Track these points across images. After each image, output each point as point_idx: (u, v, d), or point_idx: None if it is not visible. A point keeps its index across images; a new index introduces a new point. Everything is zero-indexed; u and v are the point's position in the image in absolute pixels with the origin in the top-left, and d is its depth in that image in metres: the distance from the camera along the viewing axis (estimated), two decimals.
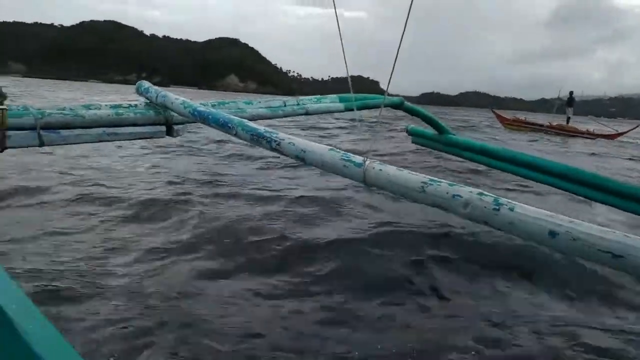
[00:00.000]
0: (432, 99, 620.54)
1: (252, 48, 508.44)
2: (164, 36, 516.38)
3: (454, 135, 2.91)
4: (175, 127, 2.26)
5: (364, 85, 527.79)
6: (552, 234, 0.84)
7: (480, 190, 0.97)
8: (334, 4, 1.75)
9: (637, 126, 20.56)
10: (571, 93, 20.65)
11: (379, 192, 3.55)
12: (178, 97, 2.03)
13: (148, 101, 2.24)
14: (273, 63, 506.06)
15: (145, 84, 2.35)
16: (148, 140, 3.24)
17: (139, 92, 2.34)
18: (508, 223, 0.89)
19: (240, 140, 1.59)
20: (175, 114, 2.12)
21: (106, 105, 2.09)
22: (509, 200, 0.92)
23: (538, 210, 0.88)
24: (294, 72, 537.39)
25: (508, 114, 24.72)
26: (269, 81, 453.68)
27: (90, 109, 2.00)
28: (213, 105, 2.23)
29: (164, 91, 2.18)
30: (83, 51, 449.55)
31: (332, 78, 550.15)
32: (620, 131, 18.66)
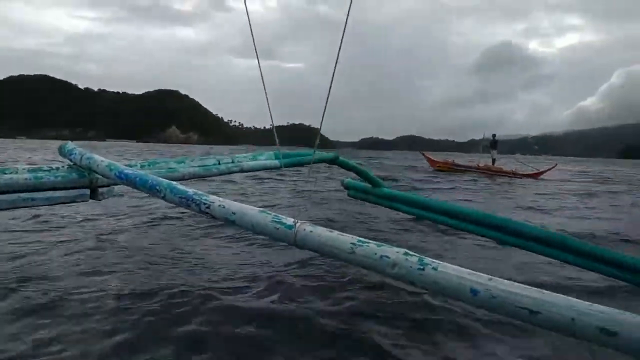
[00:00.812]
0: (371, 143, 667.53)
1: (193, 99, 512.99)
2: (100, 89, 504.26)
3: (387, 188, 3.02)
4: (101, 189, 2.17)
5: (305, 133, 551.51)
6: (473, 291, 0.87)
7: (406, 250, 1.01)
8: (258, 57, 1.78)
9: (555, 165, 21.11)
10: (494, 135, 20.88)
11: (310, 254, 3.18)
12: (104, 159, 1.95)
13: (72, 163, 2.14)
14: (215, 113, 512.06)
15: (70, 145, 2.26)
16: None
17: (62, 153, 2.24)
18: (433, 282, 0.92)
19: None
20: (101, 177, 2.03)
21: (24, 168, 1.97)
22: (433, 260, 0.95)
23: (460, 269, 0.91)
24: (235, 121, 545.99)
25: (439, 156, 25.10)
26: (211, 132, 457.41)
27: (5, 173, 1.87)
28: (142, 166, 2.18)
29: (89, 153, 2.09)
30: (12, 107, 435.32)
31: (271, 126, 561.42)
32: (540, 170, 18.97)
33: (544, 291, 0.84)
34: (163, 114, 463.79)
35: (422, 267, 0.95)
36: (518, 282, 0.87)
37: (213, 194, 1.43)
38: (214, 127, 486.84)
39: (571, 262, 2.08)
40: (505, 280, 0.88)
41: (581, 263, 2.05)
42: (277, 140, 2.27)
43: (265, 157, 2.63)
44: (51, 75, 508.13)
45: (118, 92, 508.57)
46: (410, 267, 0.96)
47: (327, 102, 1.28)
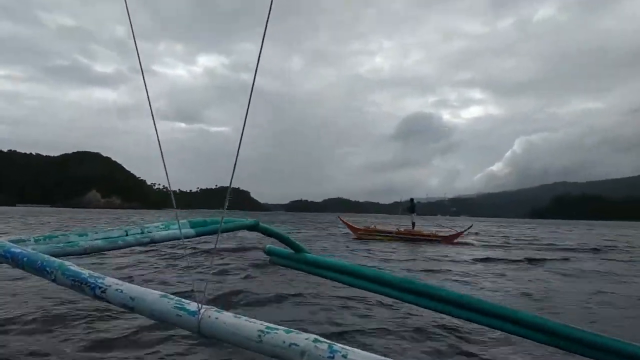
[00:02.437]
0: (300, 205, 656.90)
1: (115, 162, 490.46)
2: (10, 150, 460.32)
3: (309, 253, 2.95)
4: None
5: (237, 196, 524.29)
6: None
7: (316, 337, 0.96)
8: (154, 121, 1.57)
9: (470, 226, 21.77)
10: (412, 200, 21.04)
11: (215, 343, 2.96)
12: None
13: None
14: (138, 177, 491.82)
15: None
16: None
17: None
18: None
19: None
20: None
21: None
22: (344, 346, 0.91)
23: (369, 355, 0.89)
24: (160, 185, 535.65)
25: (359, 223, 24.27)
26: (135, 195, 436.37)
27: None
28: (37, 241, 1.97)
29: None
30: None
31: (201, 189, 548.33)
32: (458, 232, 19.39)
33: None
34: (82, 177, 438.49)
35: (332, 355, 0.88)
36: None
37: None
38: (138, 190, 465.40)
39: (475, 321, 2.11)
40: None
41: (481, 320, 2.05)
42: (175, 205, 1.78)
43: (179, 225, 2.30)
44: None
45: (31, 154, 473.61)
46: (320, 355, 0.90)
47: (235, 166, 1.18)
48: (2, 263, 1.80)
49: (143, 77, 1.34)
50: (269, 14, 1.07)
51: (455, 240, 19.00)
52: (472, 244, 18.47)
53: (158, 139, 1.31)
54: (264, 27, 1.06)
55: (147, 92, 1.36)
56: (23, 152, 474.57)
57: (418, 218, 22.11)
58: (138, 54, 1.34)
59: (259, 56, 1.10)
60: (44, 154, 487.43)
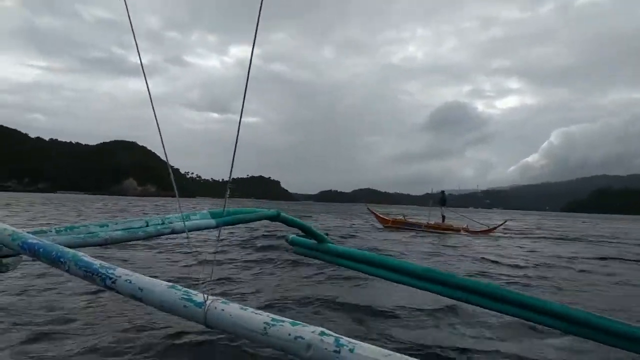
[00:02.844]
0: (330, 196, 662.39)
1: (150, 150, 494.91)
2: (51, 139, 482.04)
3: (332, 243, 2.98)
4: (5, 260, 1.95)
5: (267, 186, 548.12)
6: None
7: (323, 330, 0.95)
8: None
9: (504, 222, 21.17)
10: (443, 192, 20.55)
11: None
12: (7, 227, 1.76)
13: None
14: (172, 165, 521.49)
15: None
16: None
17: None
18: None
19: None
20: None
21: None
22: (350, 340, 0.90)
23: (376, 350, 0.87)
24: (193, 173, 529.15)
25: (387, 214, 23.75)
26: (169, 184, 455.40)
27: None
28: (58, 232, 2.01)
29: None
30: None
31: (232, 179, 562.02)
32: (490, 226, 18.83)
33: None
34: (119, 165, 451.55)
35: (337, 349, 0.87)
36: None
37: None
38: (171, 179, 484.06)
39: (510, 314, 2.08)
40: None
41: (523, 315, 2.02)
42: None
43: (200, 216, 2.43)
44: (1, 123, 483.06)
45: (71, 142, 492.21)
46: (326, 349, 0.89)
47: (234, 155, 1.13)
48: (19, 255, 1.85)
49: (142, 69, 1.32)
50: (261, 6, 1.06)
51: (490, 234, 18.38)
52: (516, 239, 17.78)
53: (157, 121, 1.27)
54: (257, 18, 1.06)
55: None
56: (63, 140, 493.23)
57: (449, 211, 21.48)
58: (137, 45, 1.32)
59: (252, 48, 1.10)
60: (83, 143, 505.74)
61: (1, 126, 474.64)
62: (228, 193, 1.46)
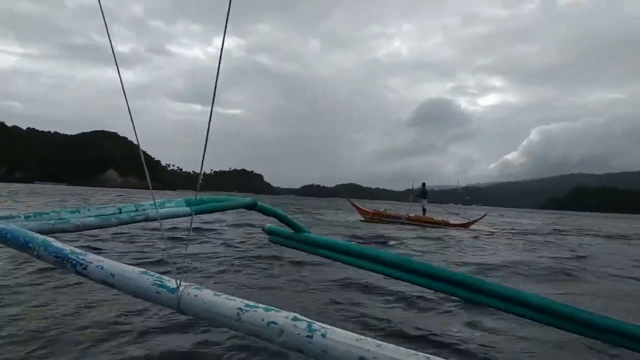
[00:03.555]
0: (312, 190, 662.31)
1: (131, 142, 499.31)
2: (29, 128, 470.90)
3: (309, 232, 2.94)
4: None
5: (250, 179, 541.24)
6: None
7: (296, 315, 0.94)
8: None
9: (485, 215, 21.33)
10: (424, 185, 20.40)
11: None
12: None
13: None
14: (153, 157, 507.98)
15: None
16: None
17: None
18: (321, 351, 0.87)
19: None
20: None
21: None
22: (323, 325, 0.90)
23: (348, 334, 0.87)
24: (174, 166, 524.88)
25: (368, 206, 23.88)
26: (152, 175, 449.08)
27: None
28: (27, 217, 1.96)
29: None
30: None
31: (215, 172, 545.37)
32: (470, 220, 19.01)
33: (431, 357, 0.79)
34: (100, 156, 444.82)
35: (310, 334, 0.88)
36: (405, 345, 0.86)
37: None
38: (153, 171, 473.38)
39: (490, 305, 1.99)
40: (393, 346, 0.84)
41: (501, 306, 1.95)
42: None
43: (175, 204, 2.30)
44: None
45: (49, 132, 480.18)
46: (298, 334, 0.89)
47: (205, 148, 1.10)
48: None
49: (114, 55, 1.23)
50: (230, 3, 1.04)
51: (469, 228, 18.56)
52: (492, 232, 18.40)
53: (127, 104, 1.17)
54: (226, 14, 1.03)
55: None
56: (42, 130, 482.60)
57: (430, 205, 21.22)
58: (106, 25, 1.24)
59: (222, 44, 1.07)
60: (62, 133, 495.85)
61: None
62: (200, 181, 1.43)
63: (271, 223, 3.20)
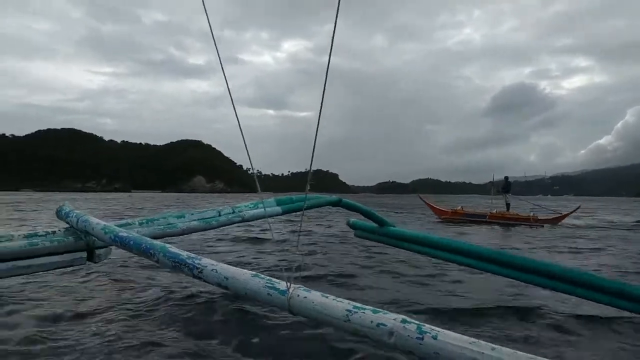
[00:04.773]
0: (388, 187, 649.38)
1: (214, 148, 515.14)
2: (123, 141, 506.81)
3: (394, 226, 2.97)
4: (98, 251, 2.13)
5: (327, 178, 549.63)
6: None
7: (404, 317, 0.96)
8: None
9: (578, 207, 19.16)
10: (506, 178, 18.71)
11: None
12: (100, 221, 1.92)
13: (68, 226, 2.13)
14: (236, 162, 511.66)
15: (67, 207, 2.23)
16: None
17: (59, 216, 2.26)
18: (433, 353, 0.87)
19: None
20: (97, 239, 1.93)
21: (19, 235, 1.93)
22: (432, 327, 0.90)
23: (461, 337, 0.87)
24: (255, 170, 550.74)
25: (444, 203, 22.29)
26: (235, 180, 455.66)
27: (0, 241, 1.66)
28: (141, 224, 2.15)
29: (85, 215, 2.06)
30: (40, 160, 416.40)
31: (292, 173, 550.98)
32: (563, 213, 17.25)
33: (539, 358, 0.78)
34: (187, 164, 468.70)
35: (420, 336, 0.89)
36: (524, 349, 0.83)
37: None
38: (236, 175, 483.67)
39: (587, 297, 2.03)
40: (509, 349, 0.82)
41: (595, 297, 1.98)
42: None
43: (266, 204, 2.52)
44: (77, 128, 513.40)
45: (141, 144, 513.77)
46: (409, 336, 0.90)
47: (314, 148, 1.17)
48: (112, 246, 1.98)
49: (222, 68, 1.37)
50: None
51: (559, 224, 16.34)
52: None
53: (239, 126, 1.29)
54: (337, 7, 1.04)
55: (227, 83, 1.37)
56: (133, 142, 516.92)
57: (514, 198, 19.19)
58: (216, 45, 1.36)
59: (333, 37, 1.07)
60: (152, 144, 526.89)
61: (79, 131, 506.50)
62: (308, 187, 1.45)
63: (355, 219, 3.20)
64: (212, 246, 7.63)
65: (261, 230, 9.79)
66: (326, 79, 1.08)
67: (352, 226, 3.42)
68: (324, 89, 1.10)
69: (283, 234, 9.94)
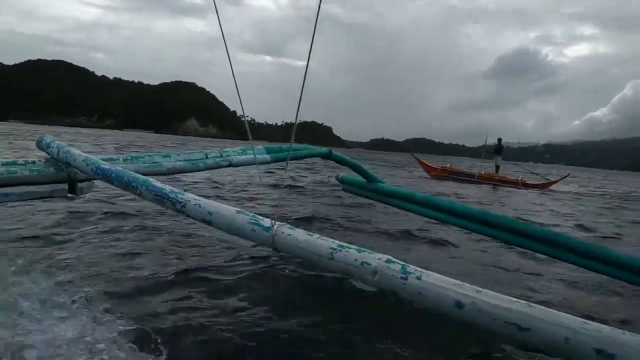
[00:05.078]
0: (381, 144, 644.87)
1: (209, 92, 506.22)
2: (116, 78, 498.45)
3: (383, 183, 2.97)
4: (80, 184, 2.10)
5: (319, 131, 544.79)
6: (458, 305, 0.81)
7: (389, 257, 0.95)
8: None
9: (567, 175, 19.80)
10: (499, 140, 18.79)
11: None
12: (82, 153, 1.90)
13: (49, 157, 2.08)
14: (229, 108, 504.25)
15: (48, 138, 2.18)
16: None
17: (39, 146, 2.19)
18: (416, 293, 0.87)
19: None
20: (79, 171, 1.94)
21: None
22: (417, 268, 0.90)
23: (444, 279, 0.86)
24: (247, 117, 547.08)
25: (436, 161, 22.69)
26: (228, 126, 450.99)
27: None
28: (125, 160, 2.12)
29: (67, 146, 2.02)
30: (28, 91, 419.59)
31: (285, 123, 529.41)
32: (550, 180, 17.71)
33: (535, 306, 0.78)
34: (180, 106, 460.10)
35: (404, 276, 0.89)
36: (506, 293, 0.81)
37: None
38: (230, 122, 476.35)
39: (562, 259, 2.11)
40: (493, 292, 0.82)
41: (568, 258, 2.07)
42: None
43: (256, 151, 2.47)
44: (68, 61, 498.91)
45: (134, 82, 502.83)
46: (392, 275, 0.91)
47: (300, 99, 1.16)
48: (94, 179, 2.01)
49: (216, 8, 1.37)
50: None
51: (548, 189, 16.65)
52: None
53: (232, 69, 1.26)
54: None
55: (220, 24, 1.35)
56: (126, 79, 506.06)
57: (505, 163, 19.49)
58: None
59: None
60: (145, 82, 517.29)
61: (71, 64, 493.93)
62: (293, 137, 1.42)
63: (344, 173, 3.26)
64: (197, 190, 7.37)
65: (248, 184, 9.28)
66: (315, 27, 1.07)
67: (341, 180, 3.44)
68: (313, 36, 1.10)
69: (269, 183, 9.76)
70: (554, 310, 0.77)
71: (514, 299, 0.80)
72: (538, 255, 2.84)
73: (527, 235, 2.17)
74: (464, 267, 3.52)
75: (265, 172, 10.84)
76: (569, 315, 0.76)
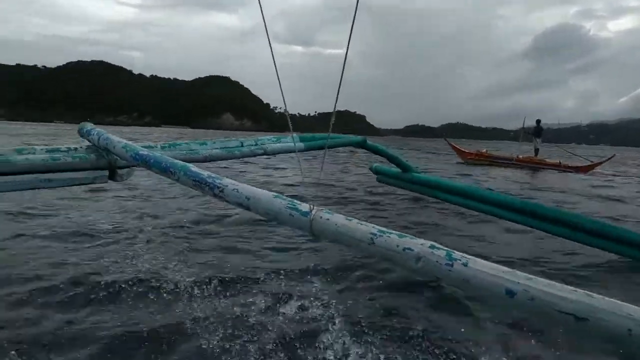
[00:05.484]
0: (416, 130, 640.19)
1: (242, 85, 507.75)
2: (152, 75, 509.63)
3: (419, 173, 2.87)
4: (120, 171, 2.15)
5: (352, 119, 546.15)
6: (509, 292, 0.78)
7: (432, 243, 0.92)
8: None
9: (612, 156, 18.26)
10: (538, 122, 17.75)
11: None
12: (121, 140, 1.94)
13: (90, 144, 2.14)
14: (264, 101, 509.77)
15: (88, 125, 2.25)
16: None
17: (81, 134, 2.25)
18: (462, 280, 0.84)
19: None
20: (119, 158, 1.99)
21: (41, 149, 1.96)
22: (463, 254, 0.86)
23: (493, 266, 0.82)
24: (280, 108, 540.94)
25: (474, 147, 21.50)
26: (263, 119, 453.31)
27: (22, 153, 1.87)
28: (163, 148, 2.18)
29: (107, 133, 2.07)
30: (70, 93, 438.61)
31: (319, 113, 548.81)
32: (594, 162, 16.30)
33: (595, 295, 0.72)
34: (215, 101, 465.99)
35: (450, 263, 0.85)
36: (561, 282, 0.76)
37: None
38: (264, 114, 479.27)
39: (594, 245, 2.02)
40: (546, 280, 0.77)
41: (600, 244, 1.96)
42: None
43: (289, 139, 2.51)
44: (106, 61, 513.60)
45: (169, 78, 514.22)
46: (437, 262, 0.86)
47: (339, 88, 1.11)
48: (133, 166, 2.06)
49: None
50: None
51: (589, 172, 15.55)
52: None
53: (274, 63, 1.29)
54: None
55: (263, 16, 1.31)
56: (162, 76, 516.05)
57: (546, 145, 18.34)
58: None
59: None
60: (180, 79, 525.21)
61: (109, 64, 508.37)
62: (333, 121, 1.37)
63: (378, 163, 3.19)
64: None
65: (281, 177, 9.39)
66: (355, 14, 1.04)
67: (375, 171, 3.38)
68: (352, 27, 1.07)
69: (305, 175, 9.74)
70: (616, 300, 0.72)
71: (571, 288, 0.75)
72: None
73: (572, 226, 2.06)
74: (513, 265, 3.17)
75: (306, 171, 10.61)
76: (633, 305, 0.71)
